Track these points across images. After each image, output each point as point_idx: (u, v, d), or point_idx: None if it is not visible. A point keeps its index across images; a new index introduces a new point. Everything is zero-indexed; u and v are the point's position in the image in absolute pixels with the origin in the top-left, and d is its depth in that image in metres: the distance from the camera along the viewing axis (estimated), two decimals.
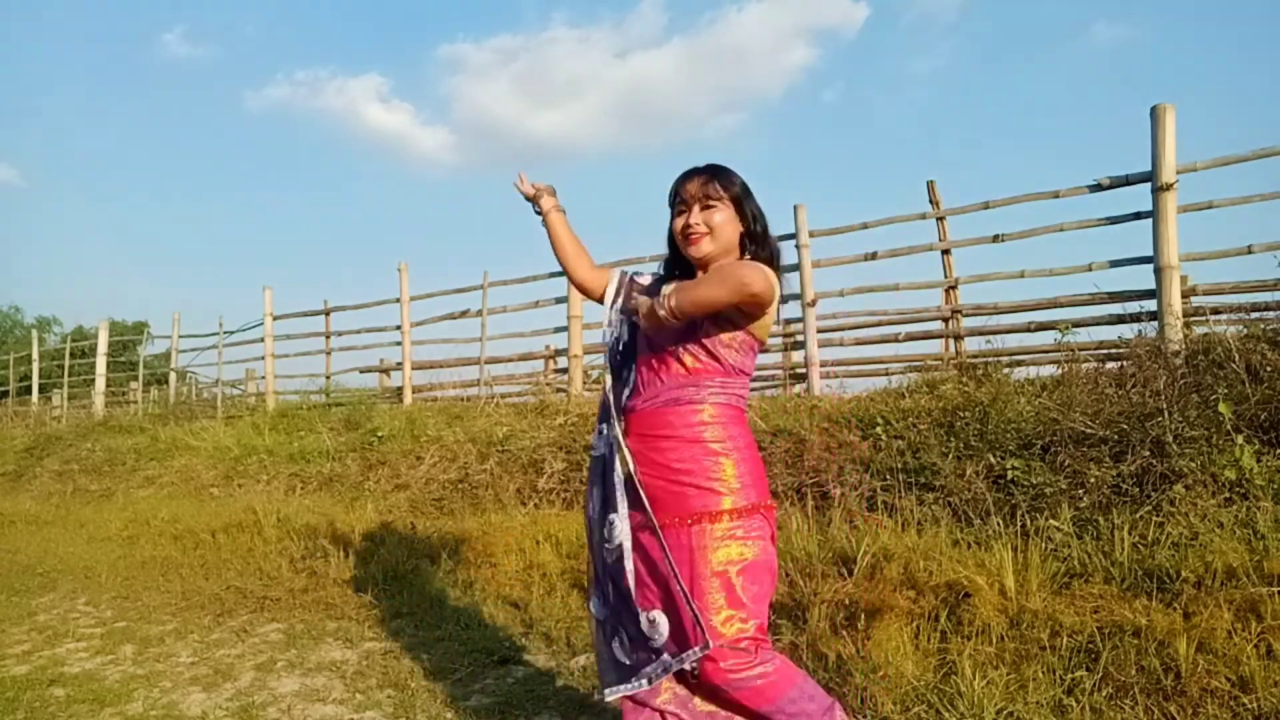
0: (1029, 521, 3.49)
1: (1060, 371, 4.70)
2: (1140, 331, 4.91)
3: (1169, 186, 5.03)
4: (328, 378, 11.01)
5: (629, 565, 1.88)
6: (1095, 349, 5.24)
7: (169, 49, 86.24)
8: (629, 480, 1.90)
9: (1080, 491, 3.56)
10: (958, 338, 6.58)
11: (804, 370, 6.83)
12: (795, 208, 6.89)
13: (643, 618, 1.87)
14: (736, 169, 1.99)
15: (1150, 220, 5.16)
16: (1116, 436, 3.71)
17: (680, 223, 1.94)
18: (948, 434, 4.28)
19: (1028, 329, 6.09)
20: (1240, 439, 3.39)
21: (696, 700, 1.89)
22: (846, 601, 3.13)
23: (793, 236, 6.86)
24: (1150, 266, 5.14)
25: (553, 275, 8.38)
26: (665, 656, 1.84)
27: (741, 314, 1.87)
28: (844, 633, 2.95)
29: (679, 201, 1.95)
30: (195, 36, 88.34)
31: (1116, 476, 3.53)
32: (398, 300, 9.90)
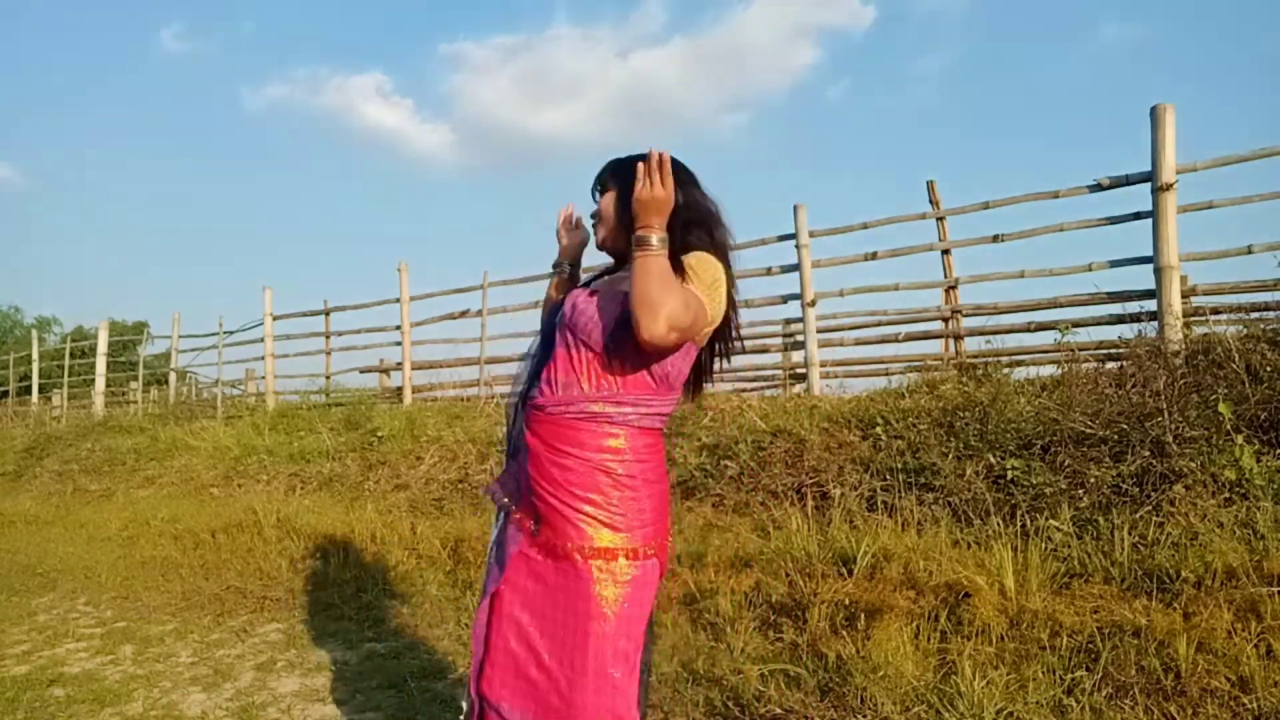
0: (1029, 521, 3.49)
1: (1060, 371, 4.69)
2: (1140, 331, 4.91)
3: (1169, 186, 5.03)
4: (328, 378, 11.01)
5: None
6: (1095, 349, 5.24)
7: (166, 46, 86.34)
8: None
9: (1080, 491, 3.55)
10: (958, 338, 6.57)
11: (804, 370, 6.84)
12: (795, 208, 6.89)
13: None
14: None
15: (1150, 220, 5.16)
16: (1116, 436, 3.71)
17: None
18: (948, 434, 4.28)
19: (1028, 329, 6.08)
20: (1240, 439, 3.39)
21: None
22: (846, 601, 3.14)
23: (793, 236, 6.87)
24: (1150, 266, 5.13)
25: (552, 275, 8.36)
26: None
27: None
28: (844, 633, 2.96)
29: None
30: (193, 33, 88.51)
31: (1116, 476, 3.53)
32: (398, 300, 9.90)
